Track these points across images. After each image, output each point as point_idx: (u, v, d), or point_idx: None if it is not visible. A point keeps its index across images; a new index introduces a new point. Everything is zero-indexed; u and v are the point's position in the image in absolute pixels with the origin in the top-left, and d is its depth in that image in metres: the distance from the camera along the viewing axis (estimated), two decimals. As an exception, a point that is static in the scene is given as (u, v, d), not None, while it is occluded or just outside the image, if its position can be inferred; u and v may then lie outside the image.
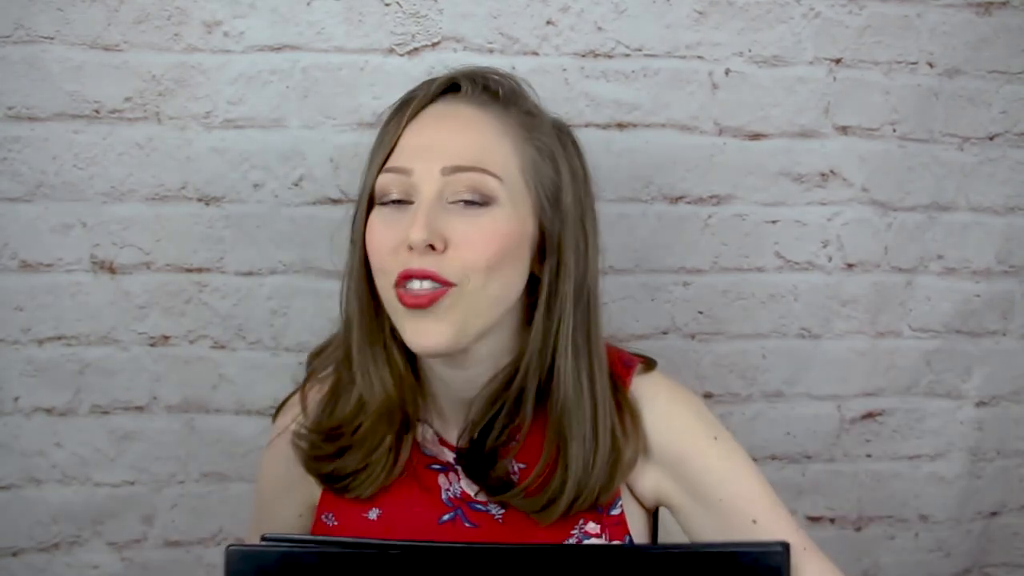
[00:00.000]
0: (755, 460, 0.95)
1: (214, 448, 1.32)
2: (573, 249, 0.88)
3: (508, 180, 0.85)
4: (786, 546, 0.73)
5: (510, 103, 0.89)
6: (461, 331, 0.83)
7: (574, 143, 0.94)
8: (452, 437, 0.93)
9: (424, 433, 0.94)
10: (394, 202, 0.85)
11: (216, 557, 1.33)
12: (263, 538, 0.74)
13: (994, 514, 1.52)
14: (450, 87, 0.90)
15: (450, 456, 0.93)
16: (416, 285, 0.81)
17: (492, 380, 0.90)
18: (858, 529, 1.48)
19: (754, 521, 0.87)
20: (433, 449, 0.94)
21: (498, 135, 0.86)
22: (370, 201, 0.88)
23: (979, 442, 1.48)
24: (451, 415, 0.93)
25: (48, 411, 1.28)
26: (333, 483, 0.93)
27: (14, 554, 1.29)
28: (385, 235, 0.84)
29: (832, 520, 1.47)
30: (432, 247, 0.81)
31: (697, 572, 0.72)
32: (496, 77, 0.92)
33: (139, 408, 1.30)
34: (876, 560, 1.48)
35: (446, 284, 0.81)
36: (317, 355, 1.00)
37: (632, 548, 0.86)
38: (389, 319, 0.87)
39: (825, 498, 1.46)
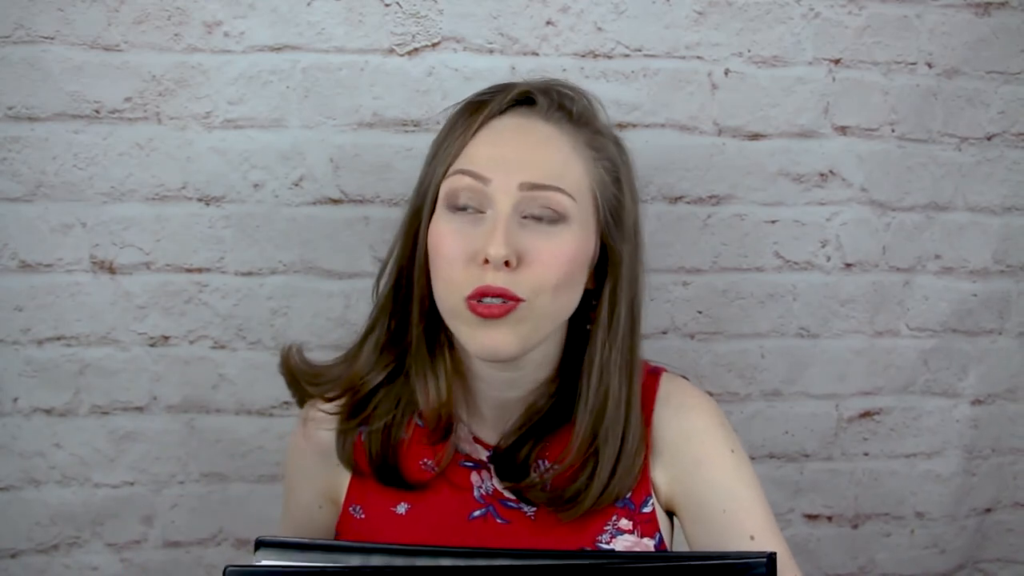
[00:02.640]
0: (753, 459, 0.96)
1: (214, 448, 1.31)
2: (630, 267, 0.91)
3: (580, 199, 0.86)
4: (772, 557, 0.72)
5: (582, 122, 0.90)
6: (526, 341, 0.84)
7: (629, 160, 0.96)
8: (486, 436, 0.95)
9: (459, 431, 0.95)
10: (463, 209, 0.85)
11: (216, 558, 1.33)
12: (257, 541, 0.74)
13: (988, 511, 1.53)
14: (523, 99, 0.90)
15: (484, 454, 0.94)
16: (488, 300, 0.82)
17: (537, 387, 0.93)
18: (855, 527, 1.48)
19: (752, 537, 0.89)
20: (467, 447, 0.95)
21: (572, 154, 0.87)
22: (434, 201, 0.88)
23: (974, 440, 1.49)
24: (488, 414, 0.94)
25: (48, 412, 1.28)
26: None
27: (13, 555, 1.29)
28: (457, 244, 0.84)
29: (829, 518, 1.47)
30: (508, 263, 0.81)
31: None
32: (570, 94, 0.92)
33: (139, 408, 1.29)
34: (872, 557, 1.49)
35: (517, 300, 0.82)
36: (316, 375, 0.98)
37: (611, 554, 0.86)
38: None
39: (822, 496, 1.47)
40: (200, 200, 1.27)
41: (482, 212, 0.84)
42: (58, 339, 1.27)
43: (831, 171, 1.38)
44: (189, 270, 1.28)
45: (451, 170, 0.86)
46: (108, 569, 1.31)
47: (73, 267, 1.26)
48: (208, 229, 1.28)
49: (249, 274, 1.29)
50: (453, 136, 0.88)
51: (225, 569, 0.71)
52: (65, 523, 1.30)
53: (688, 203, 1.36)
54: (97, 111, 1.23)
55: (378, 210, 1.29)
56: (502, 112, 0.89)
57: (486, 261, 0.81)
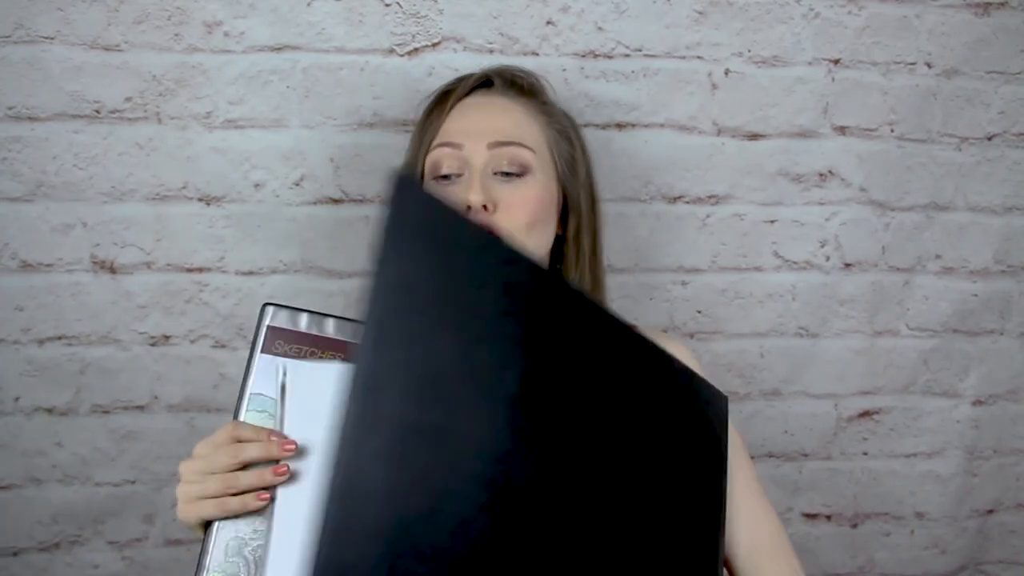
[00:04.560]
0: (753, 458, 0.97)
1: (215, 447, 1.32)
2: (589, 209, 1.09)
3: (539, 152, 1.03)
4: (726, 400, 0.87)
5: (532, 94, 1.09)
6: None
7: (578, 126, 1.13)
8: None
9: None
10: (444, 177, 1.02)
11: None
12: (264, 304, 0.88)
13: (990, 512, 1.53)
14: (483, 82, 1.09)
15: None
16: None
17: None
18: (854, 526, 1.48)
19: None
20: None
21: (527, 118, 1.05)
22: (421, 175, 1.04)
23: (976, 440, 1.49)
24: None
25: (49, 411, 1.28)
26: None
27: (14, 554, 1.30)
28: None
29: (828, 517, 1.47)
30: (485, 207, 0.97)
31: (659, 373, 0.74)
32: (521, 74, 1.12)
33: (140, 408, 1.30)
34: (871, 556, 1.49)
35: None
36: None
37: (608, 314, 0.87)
38: None
39: (822, 496, 1.47)
40: (201, 200, 1.27)
41: (461, 175, 1.01)
42: (59, 339, 1.27)
43: (830, 171, 1.38)
44: (190, 270, 1.28)
45: (432, 145, 1.04)
46: (109, 567, 1.32)
47: (74, 267, 1.26)
48: (208, 229, 1.28)
49: (250, 274, 1.29)
50: (430, 120, 1.06)
51: (263, 306, 0.87)
52: (66, 521, 1.30)
53: (687, 203, 1.36)
54: (97, 111, 1.24)
55: (378, 210, 1.29)
56: (467, 94, 1.07)
57: (469, 209, 0.97)
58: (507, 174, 1.00)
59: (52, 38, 1.22)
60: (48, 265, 1.26)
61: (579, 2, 1.30)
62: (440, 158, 1.02)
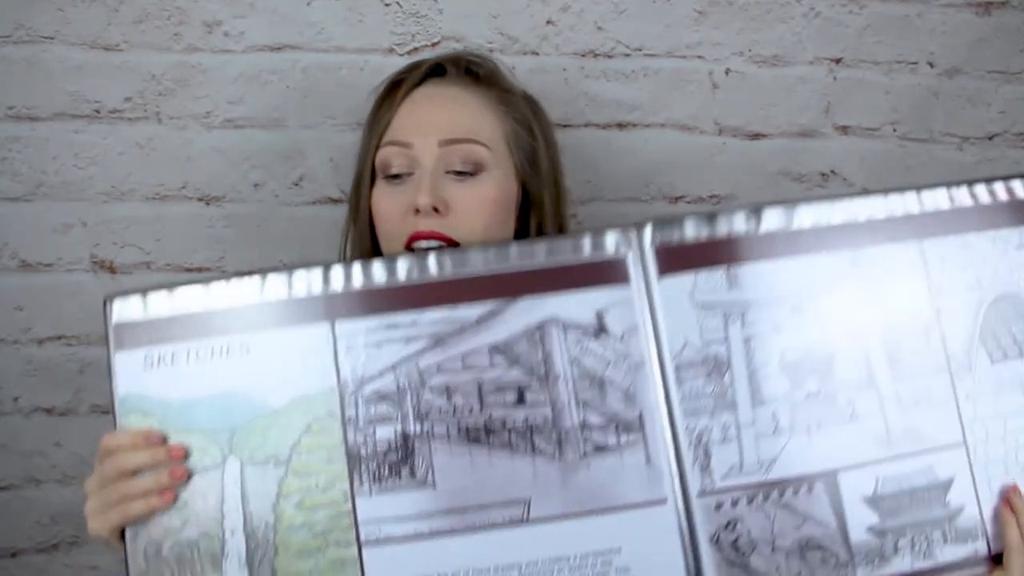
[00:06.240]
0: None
1: (214, 448, 1.31)
2: (552, 203, 1.02)
3: (495, 148, 0.97)
4: None
5: (490, 83, 1.02)
6: None
7: (542, 113, 1.07)
8: None
9: None
10: (395, 176, 0.96)
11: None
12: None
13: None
14: (436, 70, 1.02)
15: None
16: (424, 244, 0.92)
17: None
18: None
19: None
20: None
21: (483, 110, 0.98)
22: (372, 178, 0.99)
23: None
24: None
25: (48, 411, 1.28)
26: None
27: (13, 555, 1.29)
28: (392, 204, 0.95)
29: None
30: (436, 210, 0.91)
31: None
32: (477, 60, 1.05)
33: (139, 408, 1.29)
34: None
35: (451, 242, 0.92)
36: None
37: None
38: None
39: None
40: (200, 200, 1.27)
41: (412, 174, 0.95)
42: (58, 338, 1.27)
43: (832, 171, 1.38)
44: (189, 270, 1.28)
45: (382, 142, 0.98)
46: (108, 569, 1.31)
47: (73, 267, 1.26)
48: (208, 229, 1.28)
49: (249, 274, 1.29)
50: (380, 113, 1.00)
51: (104, 301, 0.82)
52: (66, 522, 1.30)
53: (688, 203, 1.36)
54: (97, 111, 1.24)
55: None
56: (418, 84, 1.00)
57: (417, 211, 0.92)
58: (460, 173, 0.94)
59: (52, 38, 1.22)
60: (48, 265, 1.26)
61: (579, 2, 1.30)
62: (389, 157, 0.97)
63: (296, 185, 1.28)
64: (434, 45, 1.28)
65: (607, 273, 0.79)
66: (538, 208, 1.01)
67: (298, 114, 1.27)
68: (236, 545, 0.75)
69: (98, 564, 1.31)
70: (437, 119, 0.96)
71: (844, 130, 1.37)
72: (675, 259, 0.79)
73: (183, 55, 1.24)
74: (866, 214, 0.81)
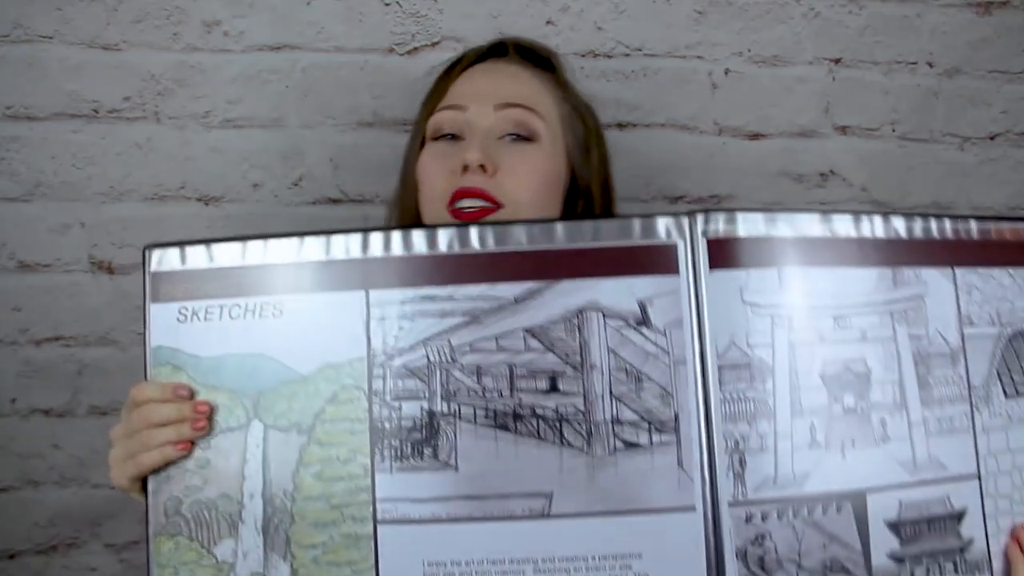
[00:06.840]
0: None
1: (213, 449, 1.31)
2: (600, 196, 0.99)
3: (549, 122, 0.94)
4: None
5: (550, 67, 1.02)
6: None
7: (597, 117, 1.05)
8: None
9: None
10: (446, 136, 0.94)
11: (215, 559, 1.32)
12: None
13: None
14: (498, 49, 1.02)
15: None
16: (468, 203, 0.88)
17: None
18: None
19: None
20: None
21: (541, 88, 0.97)
22: (422, 143, 0.97)
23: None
24: None
25: (46, 412, 1.27)
26: None
27: (11, 556, 1.28)
28: (439, 163, 0.93)
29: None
30: (483, 168, 0.88)
31: None
32: (541, 47, 1.05)
33: (138, 409, 1.29)
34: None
35: (496, 203, 0.88)
36: None
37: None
38: None
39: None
40: (199, 200, 1.27)
41: (463, 139, 0.93)
42: (56, 339, 1.26)
43: (832, 171, 1.38)
44: (188, 270, 1.27)
45: (436, 109, 0.96)
46: (107, 570, 1.31)
47: (72, 267, 1.26)
48: (207, 229, 1.27)
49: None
50: (438, 87, 0.99)
51: (143, 250, 0.79)
52: (63, 524, 1.29)
53: (688, 203, 1.35)
54: (96, 110, 1.23)
55: (378, 210, 1.29)
56: (479, 60, 1.00)
57: (465, 169, 0.89)
58: (514, 136, 0.92)
59: (51, 37, 1.22)
60: (46, 265, 1.25)
61: (579, 2, 1.30)
62: (441, 120, 0.95)
63: (295, 185, 1.28)
64: (434, 45, 1.28)
65: (655, 261, 0.74)
66: (586, 197, 0.98)
67: (298, 114, 1.27)
68: (254, 509, 0.75)
69: (96, 566, 1.31)
70: (494, 86, 0.95)
71: (844, 130, 1.37)
72: (728, 253, 0.75)
73: (182, 55, 1.24)
74: (905, 232, 0.80)
